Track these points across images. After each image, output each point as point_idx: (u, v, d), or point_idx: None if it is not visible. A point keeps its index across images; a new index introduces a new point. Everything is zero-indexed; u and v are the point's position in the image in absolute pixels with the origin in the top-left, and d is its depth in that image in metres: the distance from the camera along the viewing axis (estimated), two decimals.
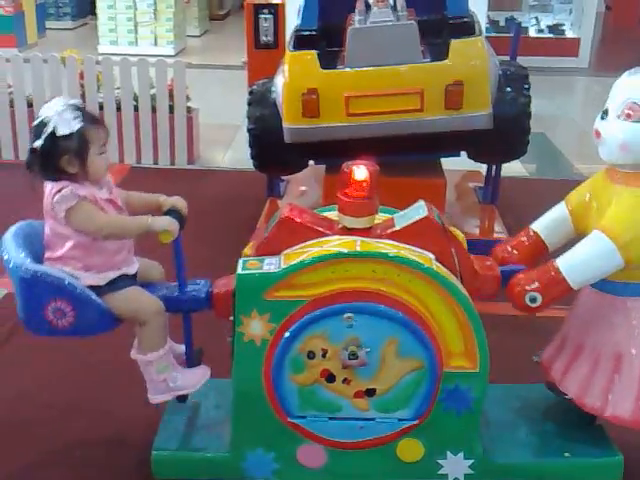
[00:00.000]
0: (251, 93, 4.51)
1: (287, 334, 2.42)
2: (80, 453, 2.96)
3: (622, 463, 2.69)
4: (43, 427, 3.09)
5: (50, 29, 12.73)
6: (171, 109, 6.30)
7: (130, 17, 11.30)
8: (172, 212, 2.58)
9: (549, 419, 2.84)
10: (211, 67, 10.38)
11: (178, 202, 2.63)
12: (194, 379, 2.68)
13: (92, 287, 2.52)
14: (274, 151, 4.36)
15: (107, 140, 2.53)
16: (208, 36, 13.40)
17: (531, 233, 2.77)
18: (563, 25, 11.22)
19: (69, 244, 2.51)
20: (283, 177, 5.25)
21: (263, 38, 4.96)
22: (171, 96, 6.26)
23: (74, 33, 13.25)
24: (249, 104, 4.46)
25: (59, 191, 2.44)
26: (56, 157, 2.44)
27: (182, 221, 2.57)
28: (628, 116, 2.46)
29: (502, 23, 10.86)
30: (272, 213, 2.72)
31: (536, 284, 2.52)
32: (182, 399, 2.72)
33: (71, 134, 2.42)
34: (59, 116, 2.42)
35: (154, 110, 6.30)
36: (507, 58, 4.71)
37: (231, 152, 6.89)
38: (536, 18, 11.33)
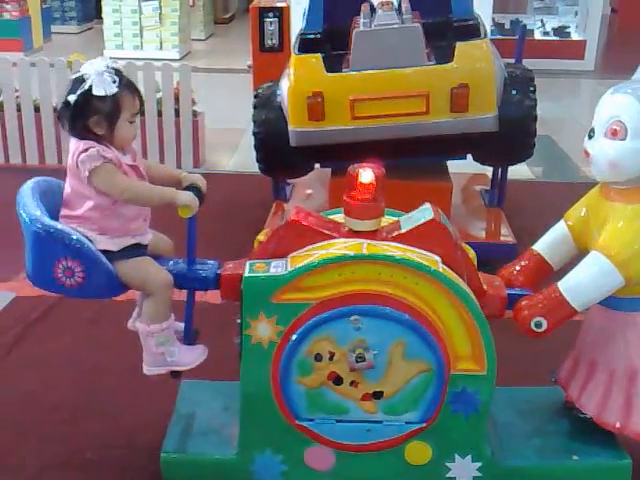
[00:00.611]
0: (256, 96, 4.52)
1: (294, 337, 2.42)
2: (90, 455, 2.97)
3: (630, 466, 2.68)
4: (52, 430, 3.11)
5: (56, 33, 12.79)
6: (177, 113, 6.31)
7: (135, 21, 11.34)
8: (193, 189, 2.60)
9: (557, 422, 2.84)
10: (216, 71, 10.41)
11: (199, 180, 2.66)
12: (191, 357, 2.69)
13: (104, 252, 2.53)
14: (280, 154, 4.37)
15: (139, 110, 2.55)
16: (213, 40, 13.44)
17: (534, 254, 2.77)
18: (568, 27, 11.21)
19: (89, 204, 2.51)
20: (289, 180, 5.25)
21: (268, 41, 4.97)
22: (177, 100, 6.27)
23: (80, 37, 13.30)
24: (254, 107, 4.47)
25: (85, 150, 2.45)
26: (86, 115, 2.46)
27: (201, 199, 2.60)
28: (614, 134, 2.45)
29: (507, 26, 10.85)
30: (278, 216, 2.73)
31: (540, 309, 2.52)
32: (176, 375, 2.72)
33: (105, 96, 2.44)
34: (98, 76, 2.43)
35: (160, 114, 6.32)
36: (512, 61, 4.71)
37: (237, 156, 6.90)
38: (541, 20, 11.32)
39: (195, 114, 6.40)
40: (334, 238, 2.50)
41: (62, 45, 11.91)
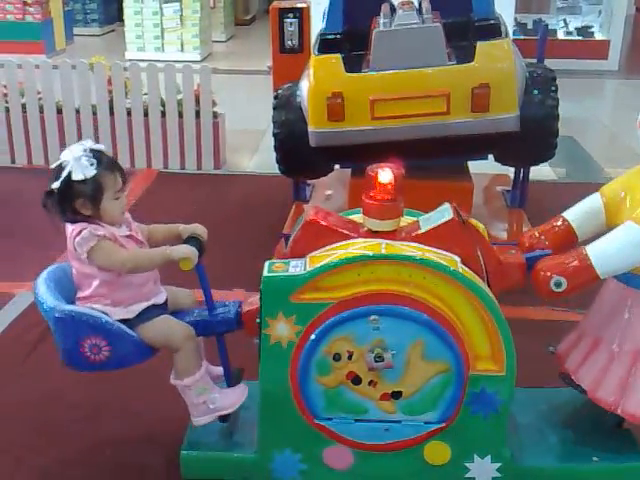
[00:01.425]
0: (276, 97, 4.53)
1: (313, 336, 2.43)
2: (110, 452, 3.00)
3: None
4: (74, 427, 3.14)
5: (78, 35, 12.88)
6: (197, 114, 6.34)
7: (157, 23, 11.40)
8: (191, 239, 2.63)
9: (577, 423, 2.83)
10: (237, 72, 10.44)
11: (197, 229, 2.68)
12: (232, 398, 2.72)
13: (123, 320, 2.58)
14: (299, 155, 4.37)
15: (124, 185, 2.58)
16: (234, 41, 13.48)
17: (562, 221, 2.74)
18: (592, 27, 11.15)
19: (95, 283, 2.58)
20: (309, 181, 5.26)
21: (288, 42, 4.97)
22: (197, 101, 6.29)
23: (101, 39, 13.38)
24: (274, 108, 4.48)
25: (79, 233, 2.51)
26: (71, 200, 2.51)
27: (201, 247, 2.61)
28: None
29: (530, 26, 10.80)
30: (298, 217, 2.73)
31: (562, 269, 2.49)
32: (224, 419, 2.75)
33: (85, 179, 2.48)
34: (76, 161, 2.48)
35: (181, 115, 6.35)
36: (535, 61, 4.69)
37: (257, 157, 6.92)
38: (564, 20, 11.26)
39: (216, 115, 6.42)
40: (353, 238, 2.50)
41: (84, 47, 12.00)
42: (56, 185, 2.50)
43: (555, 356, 2.81)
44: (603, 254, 2.48)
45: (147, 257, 2.60)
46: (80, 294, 2.62)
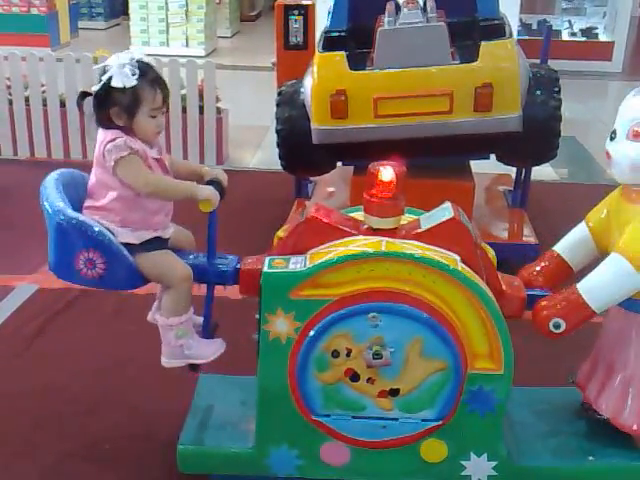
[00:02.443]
0: (280, 94, 4.53)
1: (312, 333, 2.43)
2: (109, 446, 3.00)
3: None
4: (72, 420, 3.14)
5: (83, 29, 12.88)
6: (201, 109, 6.34)
7: (162, 18, 11.39)
8: (214, 183, 2.62)
9: (573, 422, 2.83)
10: (241, 68, 10.44)
11: (220, 174, 2.68)
12: (210, 350, 2.70)
13: (126, 244, 2.55)
14: (302, 152, 4.38)
15: (164, 104, 2.54)
16: (239, 37, 13.47)
17: (554, 255, 2.77)
18: (596, 28, 11.14)
19: (112, 195, 2.54)
20: (311, 178, 5.26)
21: (293, 39, 4.97)
22: (201, 97, 6.30)
23: (106, 33, 13.39)
24: (278, 105, 4.48)
25: (112, 140, 2.48)
26: (107, 106, 2.50)
27: (222, 193, 2.62)
28: (636, 136, 2.44)
29: (534, 26, 10.80)
30: (299, 213, 2.74)
31: (559, 310, 2.51)
32: (194, 368, 2.74)
33: (124, 88, 2.46)
34: (118, 68, 2.46)
35: (184, 110, 6.35)
36: (539, 61, 4.69)
37: (260, 153, 6.92)
38: (569, 21, 11.25)
39: (219, 111, 6.43)
40: (353, 235, 2.51)
41: (89, 41, 11.99)
42: (95, 88, 2.50)
43: (576, 385, 2.81)
44: (594, 290, 2.49)
45: (171, 186, 2.58)
46: (92, 203, 2.58)
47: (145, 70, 2.51)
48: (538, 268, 2.77)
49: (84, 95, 2.56)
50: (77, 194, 2.60)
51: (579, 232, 2.74)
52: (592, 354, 2.78)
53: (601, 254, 2.63)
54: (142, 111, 2.50)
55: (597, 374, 2.72)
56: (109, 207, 2.55)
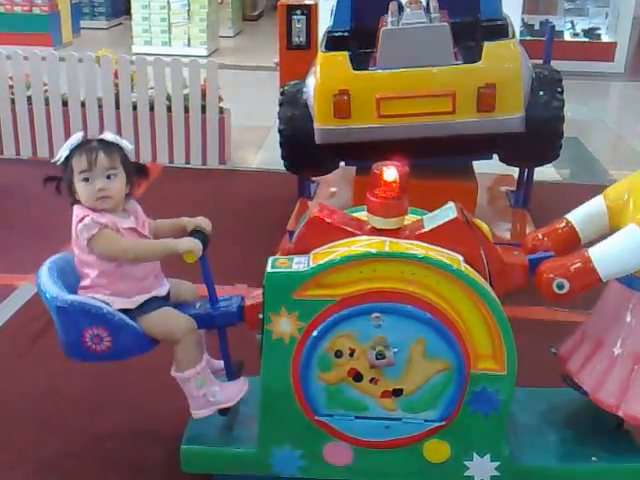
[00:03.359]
0: (282, 94, 4.53)
1: (315, 333, 2.43)
2: (111, 445, 3.01)
3: None
4: (75, 420, 3.15)
5: (85, 28, 12.90)
6: (203, 109, 6.34)
7: (164, 17, 11.41)
8: (196, 232, 2.63)
9: (576, 423, 2.83)
10: (244, 68, 10.44)
11: (202, 222, 2.68)
12: (233, 392, 2.72)
13: (124, 310, 2.58)
14: (305, 152, 4.38)
15: (90, 168, 2.52)
16: (241, 37, 13.48)
17: (566, 223, 2.74)
18: (599, 29, 11.14)
19: (94, 272, 2.58)
20: (313, 178, 5.26)
21: (295, 39, 4.98)
22: (204, 96, 6.30)
23: (108, 33, 13.39)
24: (280, 105, 4.48)
25: (82, 219, 2.52)
26: (62, 183, 2.58)
27: (205, 240, 2.62)
28: None
29: (537, 27, 10.79)
30: (302, 214, 2.74)
31: (565, 271, 2.50)
32: (224, 412, 2.75)
33: (63, 162, 2.56)
34: (63, 147, 2.57)
35: (187, 110, 6.36)
36: (541, 62, 4.69)
37: (262, 153, 6.92)
38: (571, 22, 11.26)
39: (221, 111, 6.42)
40: (357, 235, 2.51)
41: (91, 40, 12.00)
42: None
43: (557, 357, 2.82)
44: (605, 257, 2.49)
45: (150, 247, 2.60)
46: (82, 283, 2.62)
47: (82, 142, 2.56)
48: (546, 232, 2.75)
49: (47, 180, 2.62)
50: (74, 277, 2.65)
51: (595, 206, 2.71)
52: (580, 329, 2.78)
53: (612, 231, 2.61)
54: (75, 178, 2.54)
55: (583, 347, 2.71)
56: (96, 284, 2.59)
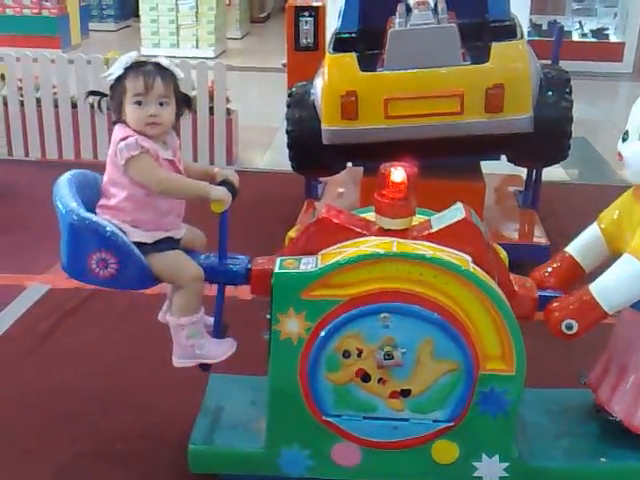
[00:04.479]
0: (290, 95, 4.54)
1: (323, 333, 2.43)
2: (120, 445, 3.01)
3: None
4: (83, 419, 3.15)
5: (93, 31, 12.94)
6: (211, 111, 6.35)
7: (172, 19, 11.44)
8: (226, 184, 2.62)
9: (585, 424, 2.82)
10: (251, 69, 10.45)
11: (232, 175, 2.68)
12: (221, 350, 2.70)
13: (138, 244, 2.55)
14: (312, 153, 4.38)
15: (146, 91, 2.49)
16: (249, 38, 13.50)
17: (566, 256, 2.76)
18: (607, 29, 11.13)
19: (123, 194, 2.54)
20: (321, 179, 5.27)
21: (303, 40, 4.98)
22: (211, 98, 6.31)
23: (117, 35, 13.43)
24: (288, 106, 4.49)
25: (124, 139, 2.49)
26: (111, 101, 2.56)
27: (234, 194, 2.61)
28: None
29: (545, 27, 10.78)
30: (309, 214, 2.74)
31: (571, 311, 2.51)
32: (205, 368, 2.74)
33: (115, 82, 2.52)
34: (114, 63, 2.54)
35: (194, 111, 6.36)
36: (549, 62, 4.69)
37: (270, 154, 6.93)
38: (580, 22, 11.24)
39: (229, 112, 6.44)
40: (364, 236, 2.51)
41: (100, 42, 12.04)
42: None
43: (587, 386, 2.81)
44: (606, 291, 2.49)
45: (184, 184, 2.58)
46: (104, 202, 2.58)
47: (136, 62, 2.53)
48: (550, 269, 2.76)
49: (90, 93, 2.65)
50: (90, 195, 2.61)
51: (591, 233, 2.73)
52: (605, 355, 2.77)
53: (613, 255, 2.62)
54: (127, 100, 2.51)
55: (609, 376, 2.71)
56: (120, 206, 2.55)
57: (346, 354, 2.46)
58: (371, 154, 4.05)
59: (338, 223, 2.54)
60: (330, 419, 2.53)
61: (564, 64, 4.72)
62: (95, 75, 6.29)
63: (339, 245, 2.50)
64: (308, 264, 2.46)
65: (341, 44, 4.35)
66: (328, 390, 2.50)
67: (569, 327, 2.51)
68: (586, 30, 11.16)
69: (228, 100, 6.43)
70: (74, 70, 6.38)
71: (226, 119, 6.40)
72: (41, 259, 4.49)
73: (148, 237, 2.57)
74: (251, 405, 2.78)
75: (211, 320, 2.76)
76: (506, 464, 2.57)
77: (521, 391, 2.49)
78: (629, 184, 2.64)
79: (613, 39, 11.00)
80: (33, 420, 3.15)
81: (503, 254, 2.65)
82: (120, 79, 2.51)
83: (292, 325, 2.45)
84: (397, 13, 4.22)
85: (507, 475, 2.58)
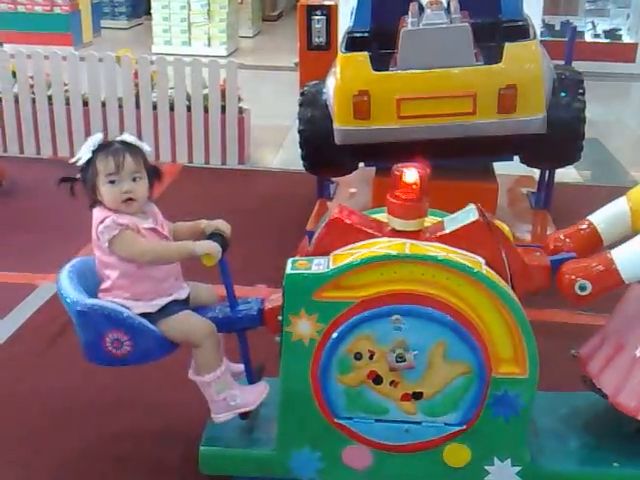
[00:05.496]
0: (302, 94, 4.53)
1: (335, 335, 2.42)
2: (129, 446, 3.01)
3: None
4: (93, 419, 3.15)
5: (105, 28, 12.94)
6: (223, 109, 6.35)
7: (184, 17, 11.43)
8: (215, 235, 2.62)
9: (598, 428, 2.80)
10: (263, 68, 10.44)
11: (221, 225, 2.67)
12: (253, 395, 2.70)
13: (144, 315, 2.58)
14: (324, 152, 4.37)
15: (118, 171, 2.52)
16: (261, 37, 13.48)
17: (588, 224, 2.73)
18: (620, 30, 11.07)
19: (116, 273, 2.58)
20: (333, 179, 5.25)
21: (315, 39, 4.96)
22: (223, 96, 6.30)
23: (129, 32, 13.44)
24: (300, 105, 4.48)
25: (102, 221, 2.52)
26: (84, 185, 2.58)
27: (225, 243, 2.61)
28: None
29: (558, 27, 10.74)
30: (321, 214, 2.73)
31: (587, 273, 2.49)
32: (244, 416, 2.74)
33: (87, 165, 2.55)
34: (83, 149, 2.57)
35: (206, 110, 6.36)
36: (562, 62, 4.66)
37: (282, 153, 6.92)
38: (592, 23, 11.18)
39: (241, 111, 6.43)
40: (377, 237, 2.49)
41: (111, 40, 12.05)
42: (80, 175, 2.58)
43: (577, 359, 2.79)
44: (628, 259, 2.47)
45: (168, 249, 2.60)
46: (102, 286, 2.62)
47: (104, 144, 2.56)
48: (568, 233, 2.74)
49: (62, 180, 2.63)
50: (94, 281, 2.65)
51: (618, 207, 2.71)
52: (601, 331, 2.76)
53: (634, 232, 2.60)
54: (100, 181, 2.53)
55: (603, 350, 2.69)
56: (117, 285, 2.58)
57: (358, 356, 2.44)
58: (383, 154, 4.04)
59: (350, 224, 2.54)
60: (341, 421, 2.52)
61: (577, 65, 4.70)
62: (106, 73, 6.30)
63: (351, 246, 2.49)
64: (320, 265, 2.45)
65: (353, 43, 4.34)
66: (339, 392, 2.49)
67: (583, 288, 2.48)
68: (599, 31, 11.10)
69: (240, 99, 6.41)
70: (86, 68, 6.38)
71: (238, 118, 6.39)
72: (52, 258, 4.46)
73: (152, 307, 2.60)
74: (262, 406, 2.76)
75: (241, 367, 2.77)
76: (518, 468, 2.56)
77: (534, 394, 2.48)
78: None
79: (626, 40, 10.93)
80: (41, 419, 3.16)
81: (506, 229, 2.63)
82: (90, 162, 2.54)
83: (304, 326, 2.44)
84: (410, 12, 4.20)
85: (519, 479, 2.56)
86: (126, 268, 2.56)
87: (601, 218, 2.72)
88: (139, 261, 2.54)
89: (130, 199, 2.54)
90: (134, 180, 2.55)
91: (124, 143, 2.58)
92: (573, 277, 2.49)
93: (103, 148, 2.55)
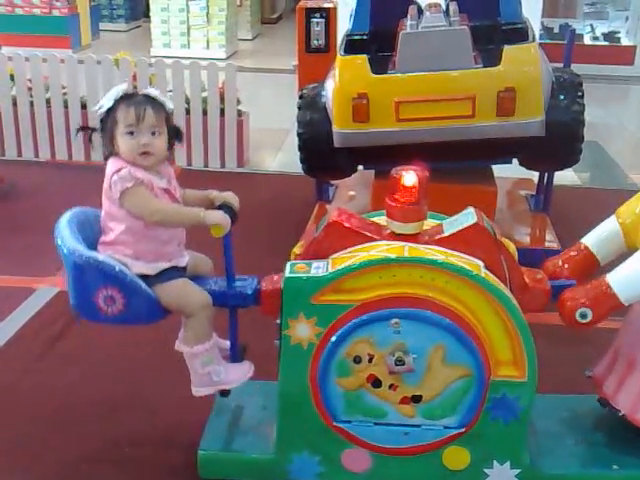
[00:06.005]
0: (301, 97, 4.53)
1: (334, 338, 2.42)
2: (128, 450, 2.99)
3: None
4: (92, 423, 3.14)
5: (104, 31, 12.95)
6: (222, 112, 6.34)
7: (183, 20, 11.43)
8: (224, 207, 2.60)
9: (598, 431, 2.80)
10: (262, 71, 10.44)
11: (230, 197, 2.66)
12: (238, 374, 2.69)
13: (142, 276, 2.54)
14: (323, 155, 4.37)
15: (138, 122, 2.49)
16: (260, 40, 13.49)
17: (582, 247, 2.75)
18: (618, 33, 11.08)
19: (121, 227, 2.53)
20: (332, 182, 5.25)
21: (314, 42, 4.97)
22: (222, 99, 6.30)
23: (127, 35, 13.44)
24: (299, 108, 4.48)
25: (118, 171, 2.49)
26: (102, 134, 2.55)
27: (234, 216, 2.58)
28: None
29: (556, 30, 10.75)
30: (321, 217, 2.73)
31: (586, 300, 2.50)
32: (225, 393, 2.72)
33: (106, 115, 2.52)
34: (105, 96, 2.53)
35: (205, 113, 6.36)
36: (561, 65, 4.66)
37: (281, 156, 6.92)
38: (591, 25, 11.20)
39: (240, 114, 6.42)
40: (376, 240, 2.49)
41: (110, 43, 12.05)
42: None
43: (592, 380, 2.79)
44: (624, 281, 2.49)
45: (178, 214, 2.57)
46: (104, 238, 2.58)
47: (125, 94, 2.53)
48: (565, 259, 2.75)
49: (80, 129, 2.65)
50: (92, 232, 2.61)
51: (608, 226, 2.72)
52: (612, 349, 2.76)
53: (629, 249, 2.61)
54: (119, 131, 2.50)
55: (616, 369, 2.69)
56: (120, 240, 2.55)
57: (357, 359, 2.44)
58: (382, 157, 4.04)
59: (349, 227, 2.53)
60: (340, 425, 2.52)
61: (576, 67, 4.70)
62: (105, 76, 6.30)
63: (350, 249, 2.49)
64: (319, 268, 2.45)
65: (352, 46, 4.33)
66: (339, 396, 2.49)
67: (583, 315, 2.50)
68: (598, 33, 11.11)
69: (239, 101, 6.41)
70: (84, 70, 6.37)
71: (237, 121, 6.38)
72: (50, 261, 4.45)
73: (151, 269, 2.57)
74: (262, 410, 2.77)
75: (226, 344, 2.75)
76: (517, 470, 2.56)
77: (533, 397, 2.48)
78: None
79: (625, 42, 10.94)
80: (41, 423, 3.14)
81: (512, 248, 2.63)
82: (110, 112, 2.51)
83: (302, 330, 2.44)
84: (409, 15, 4.20)
85: None
86: (132, 224, 2.52)
87: (594, 239, 2.74)
88: (147, 220, 2.50)
89: (147, 152, 2.51)
90: (153, 134, 2.52)
91: (147, 97, 2.56)
92: (573, 305, 2.51)
93: (125, 98, 2.52)
